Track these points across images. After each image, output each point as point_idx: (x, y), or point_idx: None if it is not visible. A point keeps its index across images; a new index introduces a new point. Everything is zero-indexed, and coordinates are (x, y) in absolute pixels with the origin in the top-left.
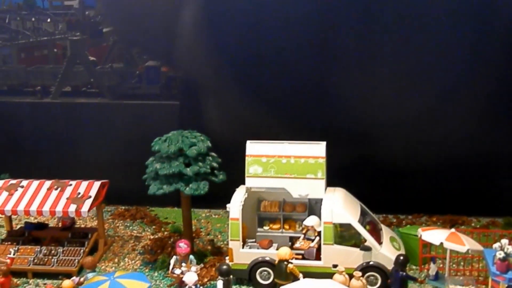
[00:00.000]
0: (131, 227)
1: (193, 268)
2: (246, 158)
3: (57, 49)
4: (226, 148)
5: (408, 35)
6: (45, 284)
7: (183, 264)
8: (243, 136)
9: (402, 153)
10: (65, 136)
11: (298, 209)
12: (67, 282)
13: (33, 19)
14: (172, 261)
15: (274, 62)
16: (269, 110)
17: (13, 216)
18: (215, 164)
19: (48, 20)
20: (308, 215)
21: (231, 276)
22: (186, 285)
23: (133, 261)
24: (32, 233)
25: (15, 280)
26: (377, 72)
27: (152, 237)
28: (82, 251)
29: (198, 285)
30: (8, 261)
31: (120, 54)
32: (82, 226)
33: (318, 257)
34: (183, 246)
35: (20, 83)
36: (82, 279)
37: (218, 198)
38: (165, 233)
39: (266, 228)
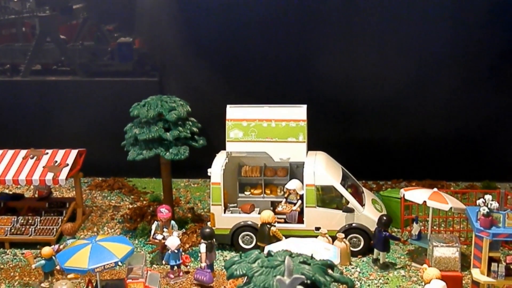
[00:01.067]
0: (109, 197)
1: (175, 233)
2: (226, 122)
3: (25, 27)
4: (203, 117)
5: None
6: (23, 253)
7: (165, 230)
8: (220, 103)
9: (382, 120)
10: (37, 113)
11: (280, 174)
12: (46, 249)
13: None
14: (153, 227)
15: (254, 27)
16: (248, 77)
17: None
18: (195, 129)
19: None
20: (290, 179)
21: (214, 240)
22: (168, 250)
23: (112, 230)
24: (7, 204)
25: None
26: (360, 39)
27: (131, 206)
28: (60, 220)
29: (180, 250)
30: None
31: (91, 31)
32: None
33: (300, 221)
34: (164, 211)
35: None
36: (61, 246)
37: (197, 166)
38: (144, 202)
39: (247, 193)
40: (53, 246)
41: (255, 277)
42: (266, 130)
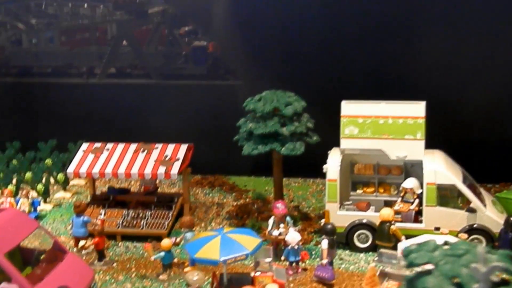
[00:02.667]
0: (211, 194)
1: (291, 229)
2: (341, 118)
3: (98, 32)
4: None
5: None
6: (135, 246)
7: (281, 226)
8: (330, 100)
9: (492, 120)
10: (138, 113)
11: (394, 172)
12: (166, 241)
13: (70, 4)
14: (270, 222)
15: (364, 22)
16: (361, 72)
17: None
18: (310, 125)
19: (85, 5)
20: (404, 179)
21: (335, 237)
22: (287, 245)
23: (220, 226)
24: (116, 198)
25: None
26: (472, 36)
27: (235, 203)
28: (170, 214)
29: (300, 246)
30: (100, 222)
31: (166, 35)
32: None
33: (416, 220)
34: (280, 206)
35: (64, 65)
36: (178, 239)
37: (296, 165)
38: (247, 199)
39: (359, 191)
40: (171, 239)
41: (440, 266)
42: (383, 127)
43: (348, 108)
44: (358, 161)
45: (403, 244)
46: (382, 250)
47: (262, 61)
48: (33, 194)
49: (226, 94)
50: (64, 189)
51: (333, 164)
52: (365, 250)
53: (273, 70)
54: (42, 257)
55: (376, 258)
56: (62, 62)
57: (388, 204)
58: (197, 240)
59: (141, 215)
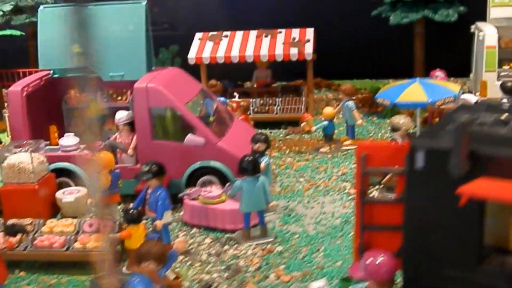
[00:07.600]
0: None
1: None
2: None
3: None
4: None
5: None
6: (270, 132)
7: None
8: None
9: None
10: None
11: None
12: (329, 109)
13: None
14: None
15: None
16: None
17: None
18: None
19: None
20: None
21: None
22: None
23: None
24: (234, 90)
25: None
26: None
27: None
28: (302, 99)
29: None
30: (234, 105)
31: None
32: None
33: None
34: (440, 75)
35: None
36: (337, 108)
37: None
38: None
39: (505, 67)
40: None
41: None
42: None
43: None
44: (503, 35)
45: None
46: None
47: None
48: None
49: None
50: None
51: (490, 30)
52: None
53: None
54: (211, 119)
55: None
56: None
57: None
58: (392, 87)
59: (270, 101)
